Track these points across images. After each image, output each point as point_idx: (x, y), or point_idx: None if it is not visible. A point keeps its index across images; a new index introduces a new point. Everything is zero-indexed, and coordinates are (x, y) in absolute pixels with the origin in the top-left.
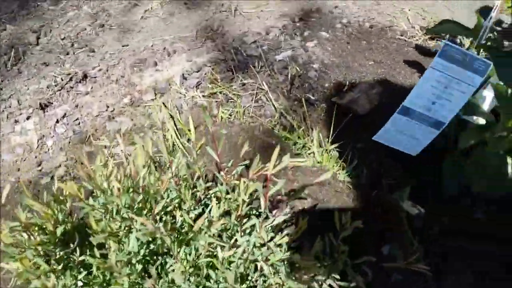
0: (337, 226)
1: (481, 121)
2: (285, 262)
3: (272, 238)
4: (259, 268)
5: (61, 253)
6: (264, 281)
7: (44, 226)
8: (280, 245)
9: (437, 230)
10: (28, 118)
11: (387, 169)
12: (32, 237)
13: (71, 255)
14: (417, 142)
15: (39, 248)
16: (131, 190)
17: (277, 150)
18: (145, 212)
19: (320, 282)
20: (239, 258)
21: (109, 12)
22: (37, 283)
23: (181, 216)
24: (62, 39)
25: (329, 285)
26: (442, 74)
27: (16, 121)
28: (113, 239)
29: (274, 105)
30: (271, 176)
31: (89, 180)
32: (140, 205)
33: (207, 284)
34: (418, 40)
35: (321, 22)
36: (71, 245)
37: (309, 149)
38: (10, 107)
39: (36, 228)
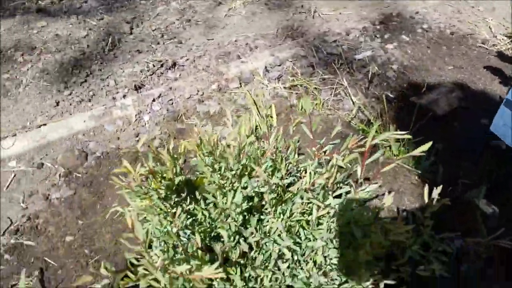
0: (425, 200)
1: None
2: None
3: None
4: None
5: (176, 199)
6: (353, 241)
7: (164, 175)
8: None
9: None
10: (124, 96)
11: (463, 170)
12: (154, 182)
13: (181, 203)
14: None
15: (160, 191)
16: (236, 154)
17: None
18: (246, 173)
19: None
20: (327, 222)
21: (195, 9)
22: (155, 221)
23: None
24: (153, 30)
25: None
26: None
27: (113, 98)
28: (219, 191)
29: (352, 100)
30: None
31: (200, 144)
32: (242, 168)
33: (298, 240)
34: (500, 49)
35: (401, 26)
36: (182, 195)
37: (386, 141)
38: (108, 85)
39: (159, 176)
